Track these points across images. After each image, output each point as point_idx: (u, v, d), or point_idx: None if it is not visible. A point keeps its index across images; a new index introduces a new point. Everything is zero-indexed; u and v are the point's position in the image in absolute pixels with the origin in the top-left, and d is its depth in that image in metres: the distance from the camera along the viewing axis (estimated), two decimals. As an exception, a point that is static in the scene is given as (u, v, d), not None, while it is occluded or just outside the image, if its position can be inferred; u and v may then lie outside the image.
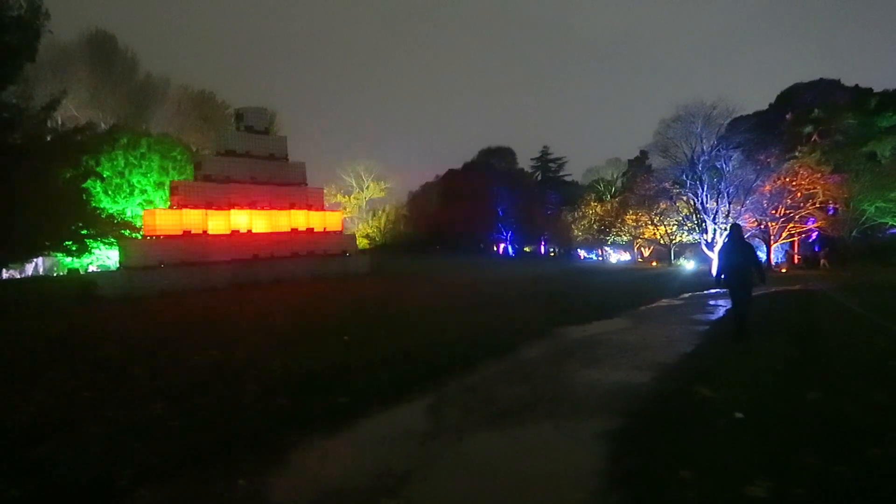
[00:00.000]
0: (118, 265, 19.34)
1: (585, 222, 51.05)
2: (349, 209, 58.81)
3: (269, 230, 21.88)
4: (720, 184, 32.08)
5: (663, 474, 3.88)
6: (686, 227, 37.43)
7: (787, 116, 44.95)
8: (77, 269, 26.89)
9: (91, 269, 27.09)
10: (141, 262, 18.13)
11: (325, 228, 24.36)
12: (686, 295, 17.87)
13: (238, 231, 20.87)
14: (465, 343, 8.74)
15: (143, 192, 27.32)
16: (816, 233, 39.46)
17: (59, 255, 23.76)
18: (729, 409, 5.25)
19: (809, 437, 4.49)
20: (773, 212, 35.40)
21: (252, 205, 21.66)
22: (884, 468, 3.91)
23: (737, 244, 9.64)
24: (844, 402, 5.42)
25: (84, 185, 21.70)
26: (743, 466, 3.97)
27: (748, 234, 30.06)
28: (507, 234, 56.45)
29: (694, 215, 34.33)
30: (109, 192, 26.18)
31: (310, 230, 23.52)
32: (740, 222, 27.88)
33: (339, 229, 26.15)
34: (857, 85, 45.04)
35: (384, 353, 7.98)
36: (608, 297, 16.07)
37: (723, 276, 9.67)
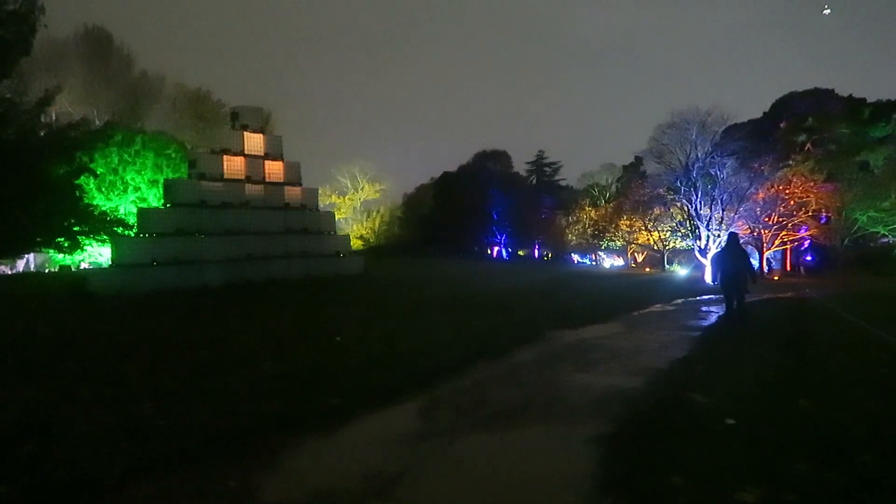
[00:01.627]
0: (110, 262, 19.22)
1: (580, 227, 51.13)
2: (344, 210, 58.75)
3: (263, 230, 21.81)
4: (714, 190, 32.18)
5: (654, 480, 3.88)
6: (679, 233, 37.55)
7: (782, 125, 45.22)
8: (69, 266, 26.73)
9: (83, 266, 26.93)
10: (133, 259, 18.03)
11: (319, 229, 24.32)
12: (679, 301, 17.92)
13: (231, 230, 20.78)
14: (457, 345, 8.72)
15: (137, 189, 27.22)
16: (809, 241, 39.70)
17: (51, 251, 23.58)
18: (720, 415, 5.26)
19: (801, 444, 4.50)
20: (767, 219, 35.57)
21: (246, 204, 21.59)
22: (875, 476, 3.92)
23: (733, 251, 11.06)
24: (836, 409, 5.44)
25: (77, 182, 21.54)
26: (734, 473, 3.97)
27: (741, 241, 30.19)
28: (501, 237, 56.49)
29: (688, 221, 34.43)
30: (103, 189, 26.07)
31: (304, 230, 23.47)
32: (734, 229, 28.08)
33: (334, 230, 26.11)
34: (850, 95, 45.39)
35: (376, 354, 7.96)
36: (601, 302, 16.09)
37: (720, 279, 11.09)
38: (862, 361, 7.88)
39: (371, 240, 58.84)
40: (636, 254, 47.49)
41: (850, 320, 12.59)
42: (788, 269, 40.38)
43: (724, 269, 11.05)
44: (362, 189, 61.38)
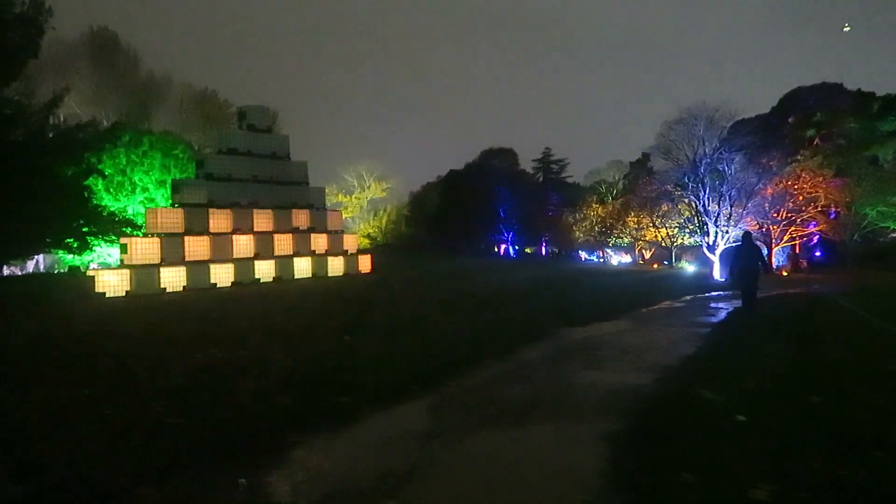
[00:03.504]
0: (119, 263, 19.34)
1: (587, 224, 50.93)
2: (351, 209, 58.88)
3: (270, 229, 21.88)
4: (722, 186, 31.94)
5: (665, 477, 3.86)
6: (687, 230, 37.33)
7: (790, 120, 44.83)
8: (78, 267, 26.88)
9: (92, 266, 27.08)
10: (142, 259, 18.13)
11: (326, 228, 24.37)
12: (687, 297, 17.83)
13: (240, 230, 20.86)
14: (465, 343, 8.72)
15: (145, 190, 27.30)
16: (818, 236, 39.40)
17: (61, 252, 23.74)
18: (731, 411, 5.23)
19: (812, 440, 4.47)
20: (775, 215, 35.30)
21: (254, 203, 21.66)
22: (886, 471, 3.89)
23: (748, 248, 12.41)
24: (846, 405, 5.40)
25: (86, 183, 21.67)
26: (745, 469, 3.95)
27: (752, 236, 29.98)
28: (508, 235, 56.40)
29: (695, 218, 34.20)
30: (111, 190, 26.17)
31: (311, 229, 23.53)
32: (742, 225, 28.04)
33: (341, 229, 26.16)
34: (859, 89, 44.97)
35: (384, 352, 7.97)
36: (610, 299, 16.03)
37: (735, 275, 12.52)
38: (872, 357, 7.82)
39: (378, 238, 58.94)
40: (644, 251, 47.28)
41: (860, 315, 12.49)
42: (803, 264, 40.11)
43: (739, 265, 12.33)
44: (369, 188, 61.46)
